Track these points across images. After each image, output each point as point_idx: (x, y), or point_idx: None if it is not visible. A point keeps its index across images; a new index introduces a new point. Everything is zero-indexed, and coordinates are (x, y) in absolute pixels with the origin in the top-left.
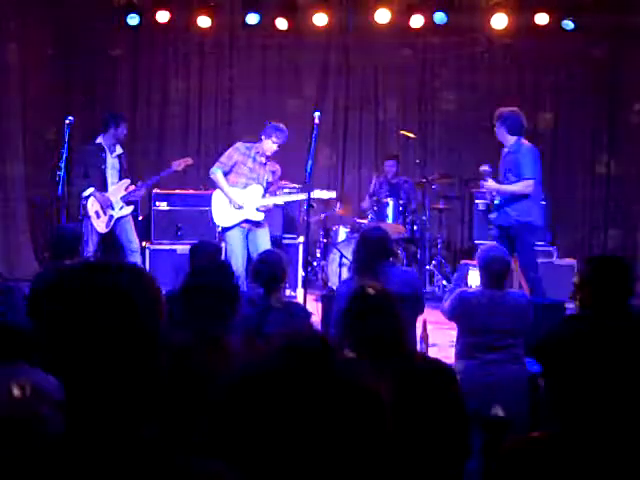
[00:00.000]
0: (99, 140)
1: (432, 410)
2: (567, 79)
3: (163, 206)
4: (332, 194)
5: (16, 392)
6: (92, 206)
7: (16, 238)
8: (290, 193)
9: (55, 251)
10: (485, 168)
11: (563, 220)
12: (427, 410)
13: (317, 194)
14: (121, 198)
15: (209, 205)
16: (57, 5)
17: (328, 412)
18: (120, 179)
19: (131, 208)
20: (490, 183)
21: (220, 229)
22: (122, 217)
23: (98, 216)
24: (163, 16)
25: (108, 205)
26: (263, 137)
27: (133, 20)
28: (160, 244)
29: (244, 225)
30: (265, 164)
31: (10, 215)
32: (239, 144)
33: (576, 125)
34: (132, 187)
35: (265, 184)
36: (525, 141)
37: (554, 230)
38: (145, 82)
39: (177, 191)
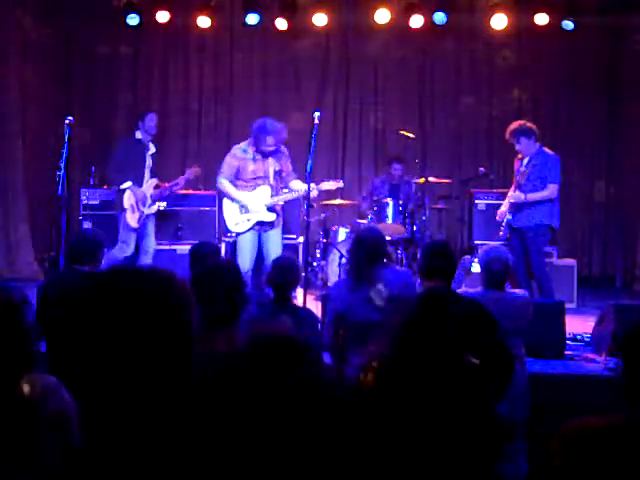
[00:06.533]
0: (138, 136)
1: None
2: (567, 79)
3: (163, 206)
4: (339, 184)
5: None
6: (128, 200)
7: (16, 238)
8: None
9: (73, 256)
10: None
11: (563, 220)
12: None
13: (325, 186)
14: (150, 196)
15: (209, 205)
16: (57, 5)
17: (290, 410)
18: (150, 177)
19: (156, 207)
20: (517, 194)
21: (234, 234)
22: (149, 215)
23: (133, 211)
24: (163, 16)
25: (142, 201)
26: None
27: (133, 20)
28: (160, 244)
29: (257, 227)
30: (266, 157)
31: (10, 215)
32: (235, 149)
33: (575, 125)
34: (163, 184)
35: (274, 177)
36: (546, 148)
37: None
38: (145, 82)
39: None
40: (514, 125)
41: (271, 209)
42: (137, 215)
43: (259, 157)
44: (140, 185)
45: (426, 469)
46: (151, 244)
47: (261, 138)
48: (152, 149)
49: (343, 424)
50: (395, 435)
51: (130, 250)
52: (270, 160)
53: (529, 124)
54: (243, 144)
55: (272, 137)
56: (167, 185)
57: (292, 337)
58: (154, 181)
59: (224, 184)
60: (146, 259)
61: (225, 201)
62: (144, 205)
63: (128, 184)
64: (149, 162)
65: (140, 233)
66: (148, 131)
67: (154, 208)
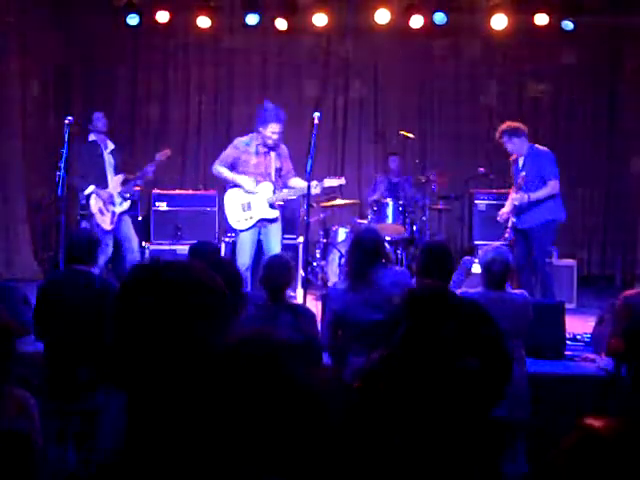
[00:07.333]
0: (92, 138)
1: None
2: (567, 79)
3: (163, 206)
4: (342, 181)
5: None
6: (95, 204)
7: (16, 238)
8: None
9: (71, 256)
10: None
11: None
12: None
13: (328, 182)
14: (118, 193)
15: (208, 205)
16: (57, 5)
17: (265, 410)
18: (115, 174)
19: (129, 203)
20: (521, 195)
21: (234, 233)
22: (122, 213)
23: (102, 213)
24: (163, 16)
25: (110, 201)
26: (261, 129)
27: (133, 20)
28: (160, 244)
29: (259, 224)
30: (268, 152)
31: (10, 215)
32: (237, 141)
33: (575, 125)
34: (131, 176)
35: (274, 174)
36: (537, 145)
37: None
38: (145, 82)
39: (176, 191)
40: (503, 126)
41: (272, 206)
42: (108, 217)
43: (262, 152)
44: (104, 186)
45: (422, 469)
46: (134, 243)
47: (266, 123)
48: (110, 146)
49: (321, 419)
50: (391, 433)
51: (110, 250)
52: (272, 155)
53: (516, 123)
54: (246, 137)
55: (269, 130)
56: (134, 177)
57: (273, 340)
58: (120, 177)
59: (219, 169)
60: (133, 258)
61: (227, 199)
62: (113, 204)
63: (91, 189)
64: (110, 160)
65: (117, 236)
66: (99, 130)
67: (126, 205)
